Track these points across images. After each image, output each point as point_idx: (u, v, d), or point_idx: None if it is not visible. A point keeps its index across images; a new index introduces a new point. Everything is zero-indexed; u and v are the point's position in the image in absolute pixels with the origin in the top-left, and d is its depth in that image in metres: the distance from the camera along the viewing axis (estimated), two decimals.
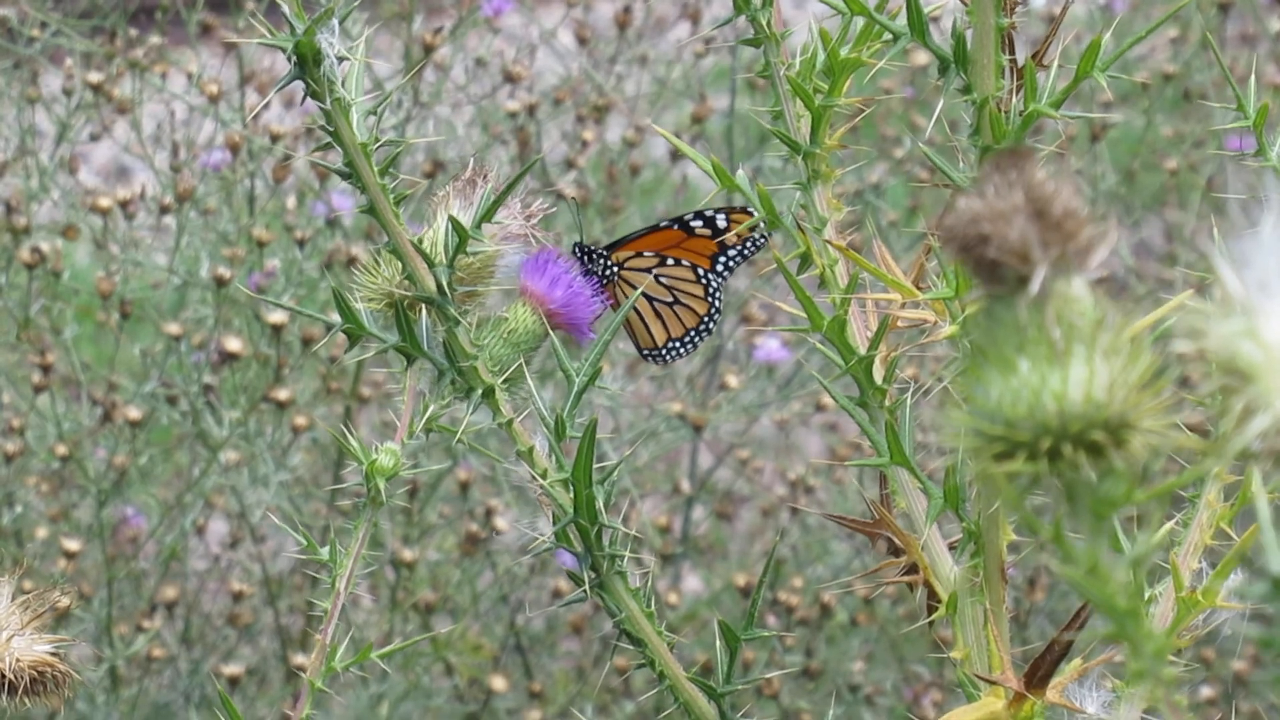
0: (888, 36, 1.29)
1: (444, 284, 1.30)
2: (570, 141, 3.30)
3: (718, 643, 1.38)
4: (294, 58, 1.20)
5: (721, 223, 1.70)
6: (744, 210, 1.67)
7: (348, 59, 1.20)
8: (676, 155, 3.42)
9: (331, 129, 1.23)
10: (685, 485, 3.31)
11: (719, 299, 1.72)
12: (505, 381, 1.36)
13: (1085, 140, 3.35)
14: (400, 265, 1.34)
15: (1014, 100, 1.24)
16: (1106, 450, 0.81)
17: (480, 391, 1.34)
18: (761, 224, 1.69)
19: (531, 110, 3.11)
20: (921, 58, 3.33)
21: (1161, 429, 0.81)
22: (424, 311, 1.33)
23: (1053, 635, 1.33)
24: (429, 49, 2.84)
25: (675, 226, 1.70)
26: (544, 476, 1.34)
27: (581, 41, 3.38)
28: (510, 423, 1.35)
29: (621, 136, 3.32)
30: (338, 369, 3.01)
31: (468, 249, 1.30)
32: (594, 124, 3.30)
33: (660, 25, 3.69)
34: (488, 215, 1.29)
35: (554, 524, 1.35)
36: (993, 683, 1.33)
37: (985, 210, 0.81)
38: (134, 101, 2.93)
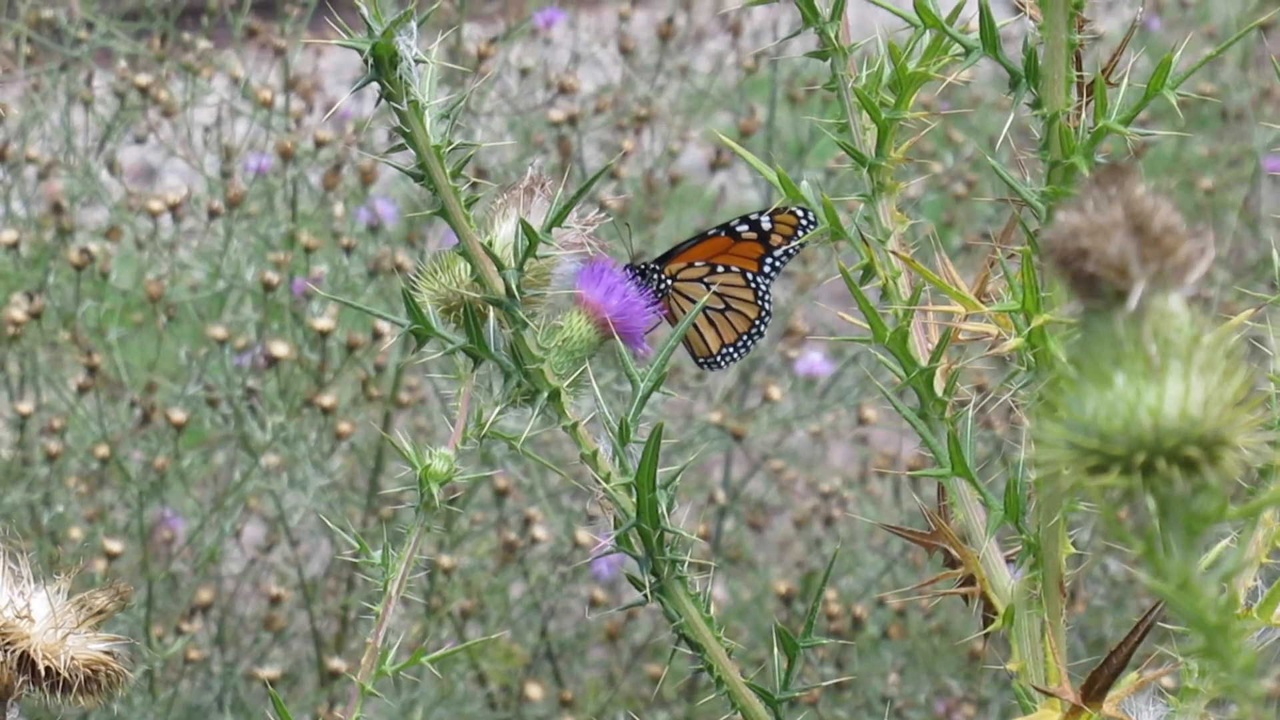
0: (956, 50, 1.29)
1: (513, 286, 1.31)
2: (610, 151, 3.31)
3: (774, 650, 1.39)
4: (371, 59, 1.21)
5: (766, 225, 1.71)
6: (789, 210, 1.70)
7: (425, 61, 1.21)
8: (714, 166, 3.43)
9: (406, 130, 1.24)
10: (720, 495, 3.32)
11: (768, 300, 1.74)
12: (570, 385, 1.37)
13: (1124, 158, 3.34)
14: (468, 267, 1.35)
15: (1082, 116, 1.24)
16: (1200, 466, 0.81)
17: (546, 394, 1.35)
18: (803, 220, 1.71)
19: (574, 120, 3.12)
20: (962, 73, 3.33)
21: (1255, 446, 0.81)
22: (491, 314, 1.34)
23: (1084, 651, 1.34)
24: (482, 57, 2.85)
25: (722, 233, 1.72)
26: (607, 480, 1.35)
27: (624, 51, 3.39)
28: (575, 426, 1.36)
29: (666, 148, 3.34)
30: (378, 375, 3.02)
31: (536, 253, 1.30)
32: (634, 134, 3.31)
33: (700, 37, 3.70)
34: (558, 219, 1.30)
35: (615, 528, 1.35)
36: (1050, 694, 1.34)
37: (1085, 224, 0.81)
38: (187, 104, 2.95)
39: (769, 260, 1.73)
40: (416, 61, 1.22)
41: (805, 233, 1.71)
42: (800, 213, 1.69)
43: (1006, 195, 1.31)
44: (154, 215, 2.81)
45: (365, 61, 1.22)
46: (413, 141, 1.25)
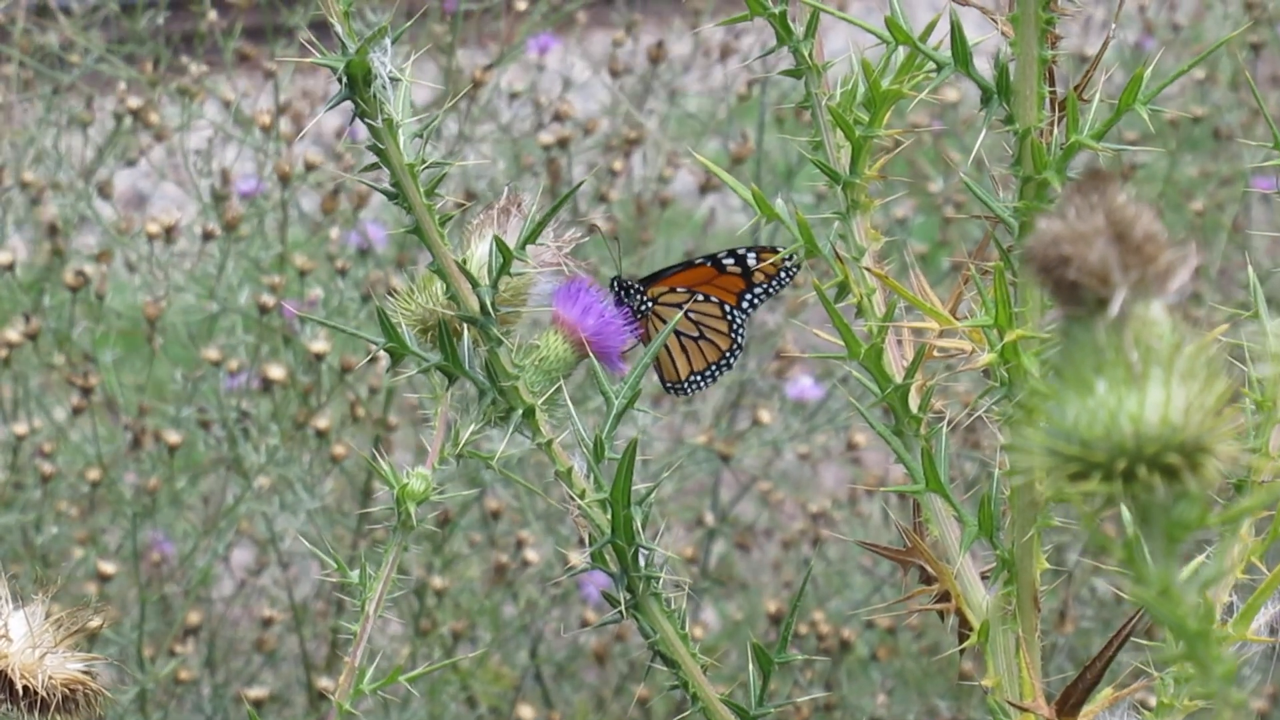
0: (930, 68, 1.30)
1: (487, 304, 1.31)
2: (600, 175, 3.32)
3: (750, 666, 1.39)
4: (344, 78, 1.22)
5: (752, 261, 1.73)
6: (773, 249, 1.73)
7: (400, 79, 1.21)
8: (704, 189, 3.44)
9: (380, 148, 1.24)
10: (709, 518, 3.32)
11: (742, 335, 1.75)
12: (544, 403, 1.37)
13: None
14: (443, 285, 1.35)
15: (1055, 132, 1.25)
16: (1181, 473, 0.81)
17: (521, 411, 1.35)
18: (788, 263, 1.73)
19: (564, 143, 3.13)
20: (951, 94, 3.34)
21: (1235, 453, 0.81)
22: (465, 332, 1.34)
23: (1071, 671, 1.34)
24: (477, 84, 2.87)
25: (709, 264, 1.74)
26: (582, 497, 1.35)
27: (614, 74, 3.40)
28: (550, 443, 1.36)
29: (660, 173, 3.35)
30: (369, 397, 3.02)
31: (510, 270, 1.31)
32: (624, 157, 3.32)
33: (708, 57, 3.70)
34: (531, 237, 1.30)
35: (590, 545, 1.36)
36: (1025, 710, 1.34)
37: (1066, 232, 0.81)
38: (182, 126, 2.96)
39: (748, 296, 1.74)
40: (391, 79, 1.22)
41: (790, 275, 1.74)
42: (786, 259, 1.71)
43: (982, 213, 1.31)
44: (151, 238, 2.81)
45: (339, 80, 1.23)
46: (386, 159, 1.26)
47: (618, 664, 3.23)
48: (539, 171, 3.27)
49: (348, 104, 1.26)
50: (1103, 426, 0.82)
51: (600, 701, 3.22)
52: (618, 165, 3.28)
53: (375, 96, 1.22)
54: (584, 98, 3.53)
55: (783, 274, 1.75)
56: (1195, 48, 3.69)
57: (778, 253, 1.71)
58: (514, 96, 3.26)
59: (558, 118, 3.13)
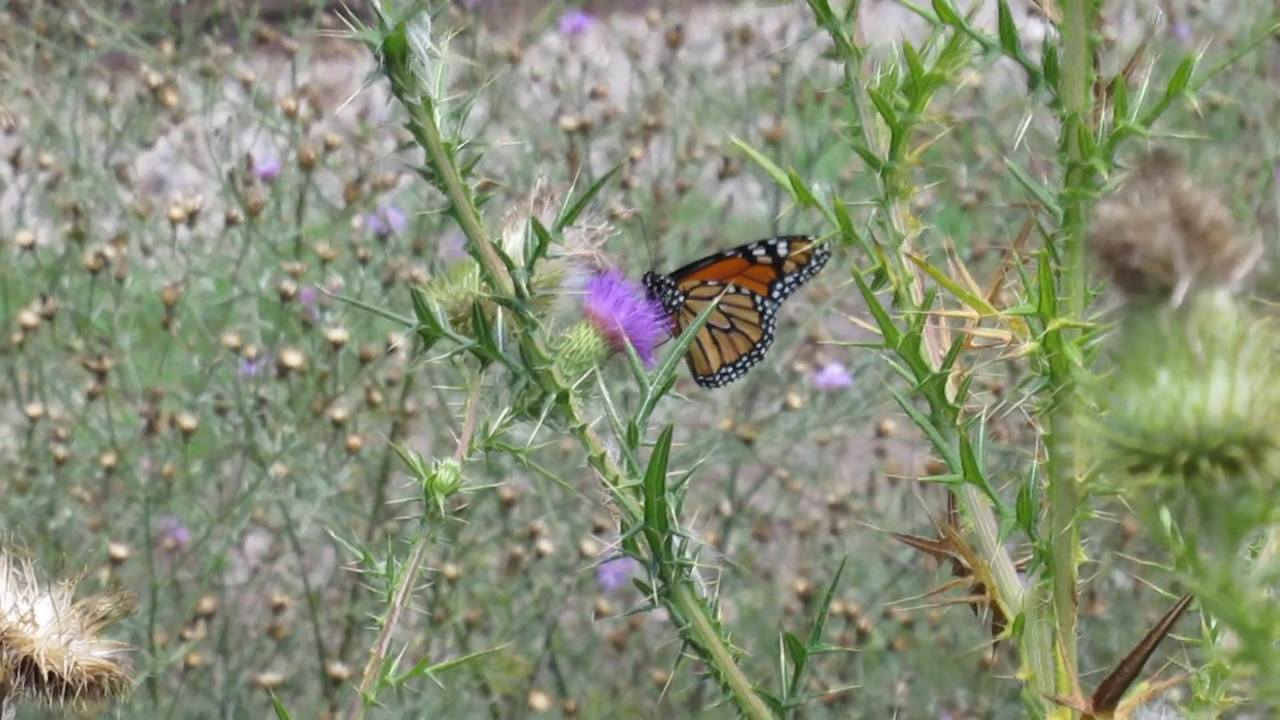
0: (974, 50, 1.28)
1: (523, 286, 1.30)
2: (618, 160, 3.31)
3: (782, 656, 1.38)
4: (382, 53, 1.20)
5: (783, 251, 1.72)
6: (803, 239, 1.72)
7: (438, 56, 1.19)
8: (723, 176, 3.42)
9: (417, 126, 1.23)
10: (726, 508, 3.30)
11: (773, 325, 1.75)
12: (577, 388, 1.36)
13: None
14: (474, 273, 1.34)
15: (1102, 117, 1.23)
16: (1244, 467, 0.79)
17: (554, 396, 1.34)
18: (819, 252, 1.72)
19: (585, 129, 3.11)
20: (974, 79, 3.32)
21: None
22: (499, 316, 1.33)
23: (1091, 665, 1.32)
24: (513, 60, 2.85)
25: (739, 255, 1.72)
26: (615, 483, 1.33)
27: (634, 58, 3.38)
28: (584, 428, 1.34)
29: (675, 157, 3.33)
30: (387, 388, 3.00)
31: (546, 253, 1.29)
32: (642, 143, 3.31)
33: (729, 41, 3.68)
34: (569, 219, 1.29)
35: (622, 531, 1.34)
36: (1061, 703, 1.32)
37: (1130, 218, 0.79)
38: (205, 108, 2.94)
39: (779, 286, 1.73)
40: (431, 55, 1.20)
41: (819, 263, 1.72)
42: (818, 247, 1.70)
43: (1025, 200, 1.30)
44: (174, 223, 2.79)
45: (376, 56, 1.21)
46: (423, 138, 1.24)
47: (633, 653, 3.21)
48: (557, 157, 3.25)
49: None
50: (1165, 418, 0.80)
51: (614, 691, 3.21)
52: (637, 152, 3.27)
53: (413, 73, 1.20)
54: (603, 83, 3.51)
55: (813, 262, 1.74)
56: (1223, 36, 3.67)
57: (809, 241, 1.70)
58: (537, 79, 3.24)
59: (594, 95, 3.11)
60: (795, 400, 3.12)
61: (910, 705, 3.17)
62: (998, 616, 1.39)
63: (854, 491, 3.43)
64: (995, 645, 1.41)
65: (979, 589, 1.39)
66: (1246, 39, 3.36)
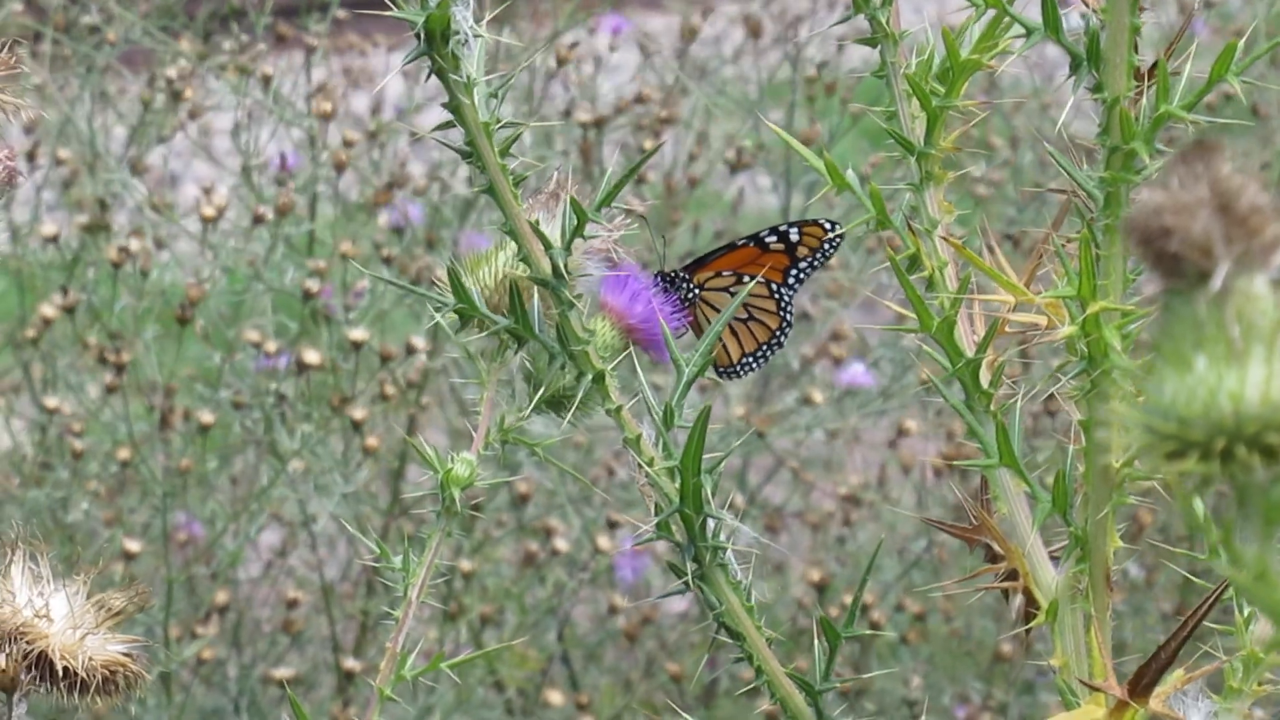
0: (1014, 34, 1.28)
1: (560, 266, 1.29)
2: (631, 154, 3.30)
3: (816, 642, 1.38)
4: (423, 32, 1.20)
5: (795, 236, 1.71)
6: (816, 223, 1.70)
7: (481, 35, 1.19)
8: (735, 168, 3.42)
9: (457, 105, 1.22)
10: (738, 499, 3.30)
11: (790, 311, 1.74)
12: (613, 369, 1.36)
13: None
14: (507, 257, 1.34)
15: (1142, 101, 1.23)
16: None
17: (591, 376, 1.33)
18: (829, 234, 1.71)
19: (600, 123, 3.11)
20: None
21: None
22: (535, 296, 1.33)
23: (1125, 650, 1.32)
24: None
25: (751, 244, 1.72)
26: (650, 464, 1.33)
27: (645, 53, 3.38)
28: (619, 409, 1.34)
29: (689, 151, 3.33)
30: (406, 390, 3.00)
31: (584, 233, 1.29)
32: (654, 136, 3.31)
33: (764, 39, 3.68)
34: (607, 199, 1.29)
35: (656, 514, 1.34)
36: (1096, 689, 1.32)
37: (1169, 202, 0.79)
38: (235, 106, 2.95)
39: (794, 272, 1.73)
40: (475, 35, 1.20)
41: (833, 246, 1.72)
42: (828, 226, 1.69)
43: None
44: (205, 221, 2.79)
45: (416, 35, 1.21)
46: (462, 118, 1.24)
47: (646, 645, 3.21)
48: (569, 151, 3.25)
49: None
50: (1201, 404, 0.79)
51: (627, 684, 3.21)
52: (650, 145, 3.27)
53: (453, 53, 1.20)
54: (614, 77, 3.51)
55: (826, 246, 1.72)
56: (1232, 27, 3.67)
57: (820, 226, 1.69)
58: (559, 67, 3.25)
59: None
60: (817, 396, 3.12)
61: (924, 698, 3.17)
62: (1030, 603, 1.39)
63: (866, 483, 3.43)
64: (1015, 636, 1.40)
65: (1011, 575, 1.39)
66: (1259, 30, 3.36)
